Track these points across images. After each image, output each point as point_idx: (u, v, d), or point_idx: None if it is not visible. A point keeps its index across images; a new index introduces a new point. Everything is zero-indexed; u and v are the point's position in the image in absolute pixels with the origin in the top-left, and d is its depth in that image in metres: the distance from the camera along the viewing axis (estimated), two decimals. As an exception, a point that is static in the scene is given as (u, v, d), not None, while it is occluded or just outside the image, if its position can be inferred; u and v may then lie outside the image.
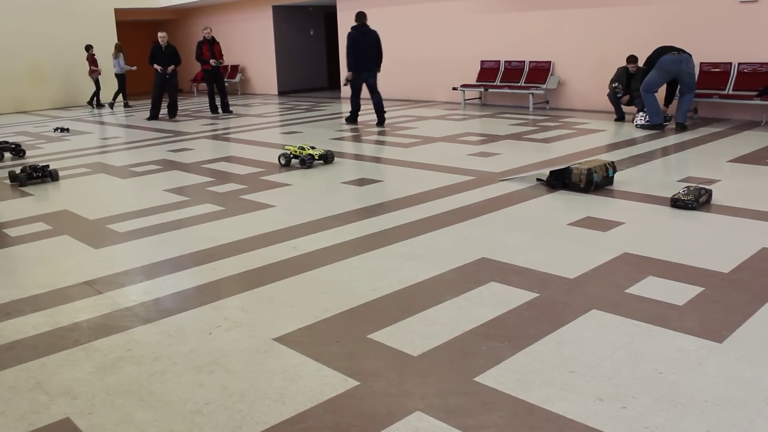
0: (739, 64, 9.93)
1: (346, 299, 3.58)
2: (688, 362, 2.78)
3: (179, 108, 14.07)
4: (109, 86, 16.97)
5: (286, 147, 7.73)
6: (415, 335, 3.12)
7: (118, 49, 16.38)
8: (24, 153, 9.21)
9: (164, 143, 9.89)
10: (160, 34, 13.35)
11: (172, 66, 13.20)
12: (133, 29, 20.99)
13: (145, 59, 13.61)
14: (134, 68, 16.52)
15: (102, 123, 13.55)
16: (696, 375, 2.68)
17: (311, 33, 19.00)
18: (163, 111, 13.53)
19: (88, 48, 16.68)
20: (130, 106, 16.73)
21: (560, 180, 5.91)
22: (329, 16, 18.71)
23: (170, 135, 10.80)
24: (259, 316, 3.43)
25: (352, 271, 4.05)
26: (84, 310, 3.59)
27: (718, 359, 2.81)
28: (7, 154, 9.19)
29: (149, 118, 13.25)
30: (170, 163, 8.13)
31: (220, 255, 4.43)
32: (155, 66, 13.13)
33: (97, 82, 16.77)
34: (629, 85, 10.05)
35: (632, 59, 9.96)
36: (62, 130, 11.77)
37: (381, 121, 10.83)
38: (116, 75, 16.53)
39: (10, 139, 10.07)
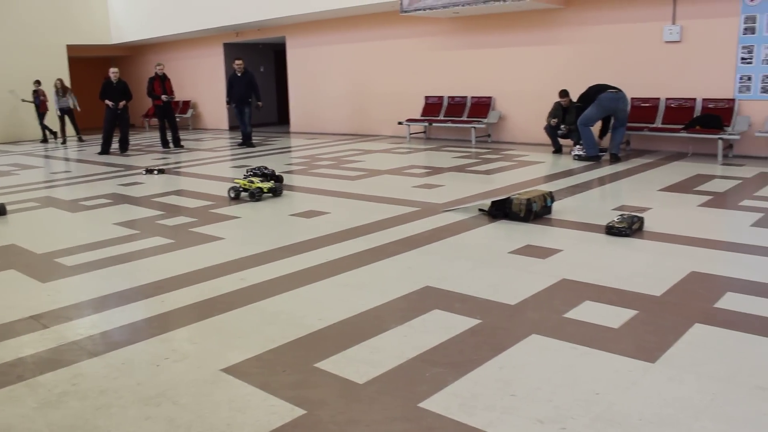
0: (667, 99, 10.45)
1: (293, 329, 3.62)
2: (623, 382, 2.89)
3: (131, 143, 13.96)
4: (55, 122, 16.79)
5: (236, 180, 7.76)
6: (360, 363, 3.17)
7: (63, 85, 16.27)
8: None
9: (115, 177, 9.80)
10: (111, 70, 13.27)
11: (124, 101, 13.15)
12: (85, 65, 20.78)
13: (96, 95, 13.50)
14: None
15: (53, 157, 13.36)
16: (631, 394, 2.79)
17: (261, 69, 19.09)
18: (115, 146, 13.43)
19: (37, 83, 16.61)
20: (83, 141, 16.55)
21: (501, 210, 6.07)
22: (279, 53, 18.83)
23: (121, 169, 10.71)
24: (207, 347, 3.45)
25: (300, 301, 4.10)
26: (29, 344, 3.54)
27: (651, 379, 2.92)
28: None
29: (100, 153, 13.17)
30: (120, 197, 8.06)
31: (169, 287, 4.42)
32: (106, 101, 13.06)
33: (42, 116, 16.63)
34: (564, 119, 10.46)
35: (563, 93, 10.40)
36: (160, 171, 10.11)
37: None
38: (63, 111, 16.36)
39: None
